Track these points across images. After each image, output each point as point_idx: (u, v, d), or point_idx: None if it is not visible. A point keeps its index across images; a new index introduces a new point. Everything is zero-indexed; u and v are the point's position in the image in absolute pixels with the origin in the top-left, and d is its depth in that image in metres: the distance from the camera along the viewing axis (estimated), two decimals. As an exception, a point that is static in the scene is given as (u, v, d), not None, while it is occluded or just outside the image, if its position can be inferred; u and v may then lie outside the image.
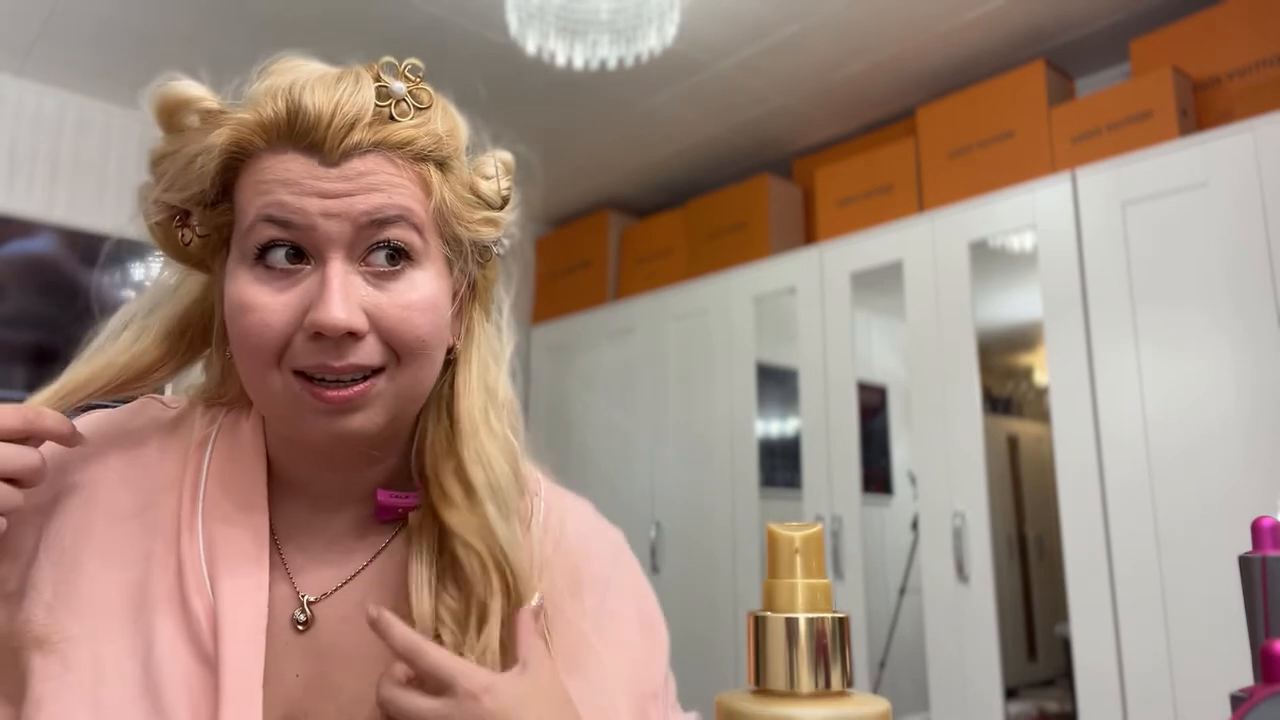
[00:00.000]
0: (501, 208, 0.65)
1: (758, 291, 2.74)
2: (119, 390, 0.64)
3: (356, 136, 0.57)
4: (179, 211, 0.62)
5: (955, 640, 2.14)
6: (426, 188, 0.60)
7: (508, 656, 0.59)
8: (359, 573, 0.64)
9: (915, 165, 2.51)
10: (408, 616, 0.59)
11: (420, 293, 0.59)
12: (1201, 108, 2.11)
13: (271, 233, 0.57)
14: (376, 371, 0.58)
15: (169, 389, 0.71)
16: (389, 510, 0.64)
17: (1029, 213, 2.17)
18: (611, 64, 1.87)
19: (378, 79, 0.59)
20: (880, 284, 2.48)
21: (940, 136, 2.46)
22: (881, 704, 0.44)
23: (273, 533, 0.63)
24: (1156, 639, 1.83)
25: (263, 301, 0.57)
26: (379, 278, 0.58)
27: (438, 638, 0.59)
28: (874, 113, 2.77)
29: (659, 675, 0.72)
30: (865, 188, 2.60)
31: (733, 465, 2.67)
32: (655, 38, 1.85)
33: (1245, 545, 0.51)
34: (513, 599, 0.61)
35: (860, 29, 2.34)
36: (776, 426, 2.72)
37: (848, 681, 0.45)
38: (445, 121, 0.61)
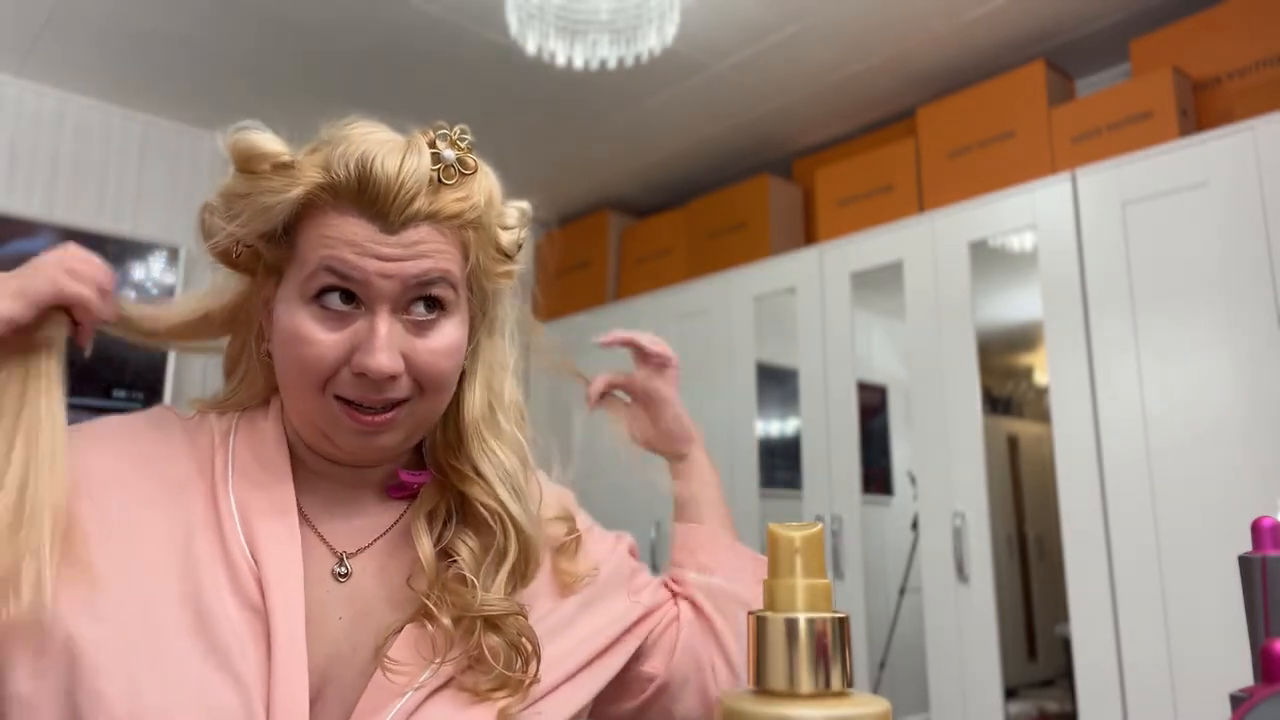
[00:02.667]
0: (516, 255, 0.76)
1: (758, 291, 2.74)
2: (153, 337, 0.76)
3: (414, 209, 0.66)
4: (242, 241, 0.71)
5: (955, 640, 2.14)
6: (465, 251, 0.70)
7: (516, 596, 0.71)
8: (388, 531, 0.74)
9: (915, 165, 2.51)
10: (418, 563, 0.70)
11: (448, 339, 0.70)
12: (1201, 108, 2.11)
13: (331, 281, 0.66)
14: (403, 400, 0.69)
15: (168, 396, 0.76)
16: (405, 487, 0.75)
17: (1029, 213, 2.17)
18: (611, 64, 1.87)
19: (432, 145, 0.68)
20: (880, 284, 2.48)
21: (940, 136, 2.46)
22: (881, 704, 0.44)
23: (300, 508, 0.72)
24: (1156, 639, 1.83)
25: (318, 337, 0.67)
26: (417, 326, 0.68)
27: (444, 577, 0.70)
28: (874, 113, 2.77)
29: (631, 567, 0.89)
30: (865, 188, 2.60)
31: (733, 465, 2.67)
32: (655, 38, 1.85)
33: (1245, 545, 0.51)
34: (528, 559, 0.72)
35: (860, 29, 2.34)
36: (776, 426, 2.72)
37: (848, 681, 0.45)
38: (484, 189, 0.71)
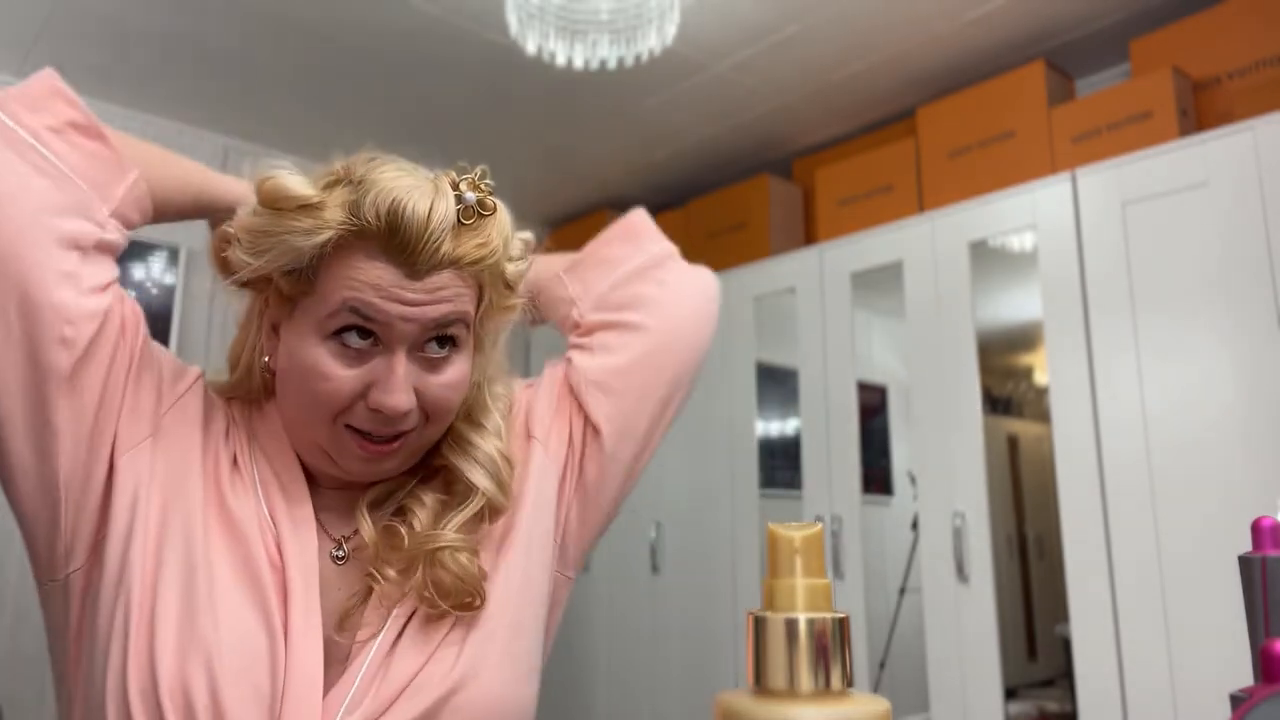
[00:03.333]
0: (518, 285, 0.78)
1: (758, 291, 2.74)
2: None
3: (440, 256, 0.68)
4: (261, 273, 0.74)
5: (955, 640, 2.14)
6: (480, 293, 0.73)
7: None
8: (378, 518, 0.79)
9: (915, 165, 2.51)
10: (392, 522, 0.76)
11: (457, 372, 0.73)
12: (1201, 108, 2.11)
13: (353, 320, 0.69)
14: (411, 429, 0.73)
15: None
16: None
17: (1029, 213, 2.17)
18: (611, 64, 1.87)
19: (455, 187, 0.70)
20: (880, 284, 2.48)
21: (940, 136, 2.46)
22: (881, 704, 0.44)
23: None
24: (1156, 639, 1.83)
25: (337, 373, 0.69)
26: (429, 363, 0.72)
27: (391, 539, 0.75)
28: (874, 113, 2.77)
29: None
30: (865, 188, 2.60)
31: (733, 465, 2.67)
32: (655, 38, 1.85)
33: (1245, 545, 0.52)
34: (493, 511, 0.78)
35: (860, 29, 2.34)
36: (776, 426, 2.72)
37: (848, 681, 0.45)
38: (502, 230, 0.73)
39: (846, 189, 2.64)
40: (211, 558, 0.68)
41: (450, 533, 0.73)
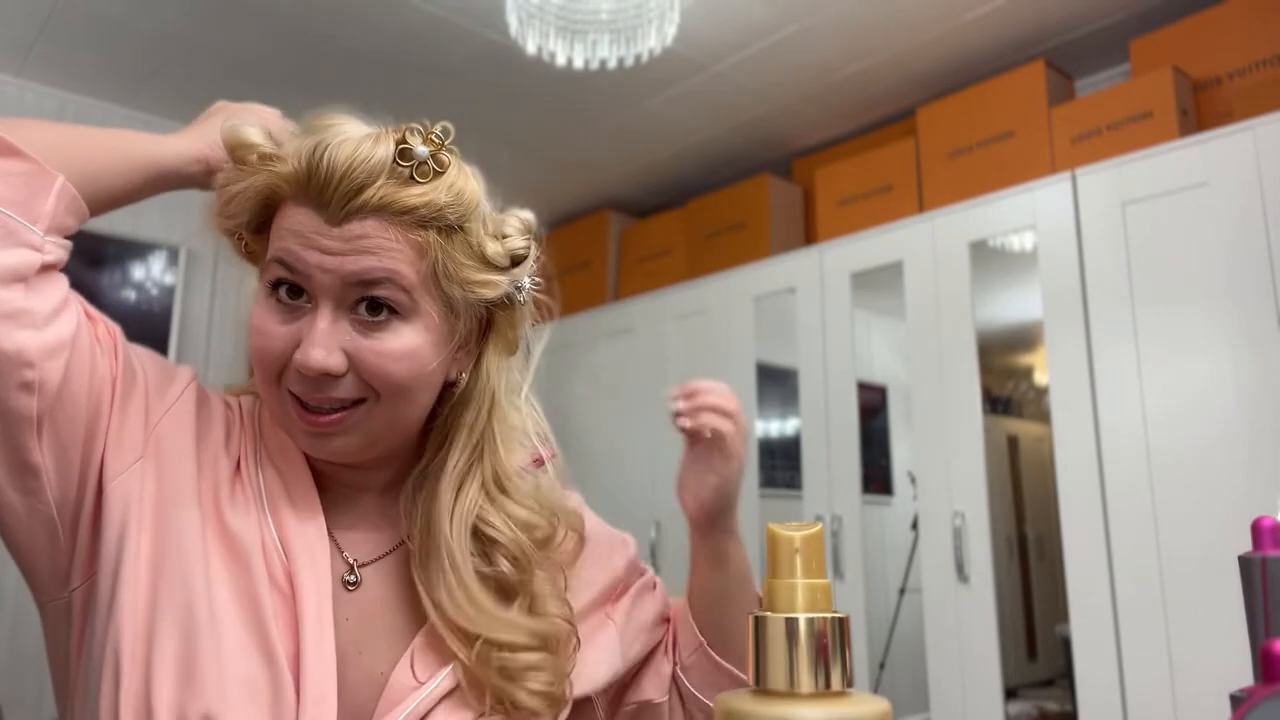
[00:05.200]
0: (512, 266, 0.72)
1: (758, 291, 2.74)
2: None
3: (359, 201, 0.64)
4: (232, 231, 0.72)
5: (955, 640, 2.14)
6: (421, 252, 0.66)
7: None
8: (399, 546, 0.74)
9: (915, 165, 2.51)
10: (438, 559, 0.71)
11: (401, 343, 0.67)
12: (1201, 108, 2.11)
13: (280, 273, 0.66)
14: (357, 403, 0.67)
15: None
16: None
17: (1029, 213, 2.17)
18: (611, 64, 1.87)
19: (402, 142, 0.65)
20: (880, 284, 2.48)
21: (940, 136, 2.46)
22: (881, 704, 0.44)
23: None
24: (1156, 639, 1.83)
25: (269, 328, 0.66)
26: (364, 326, 0.66)
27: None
28: (874, 113, 2.77)
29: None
30: (865, 188, 2.60)
31: (733, 465, 2.67)
32: (655, 38, 1.85)
33: (1245, 545, 0.51)
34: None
35: (860, 29, 2.34)
36: (776, 426, 2.72)
37: (848, 681, 0.45)
38: (452, 190, 0.67)
39: (846, 189, 2.64)
40: (211, 581, 0.64)
41: (517, 622, 0.70)
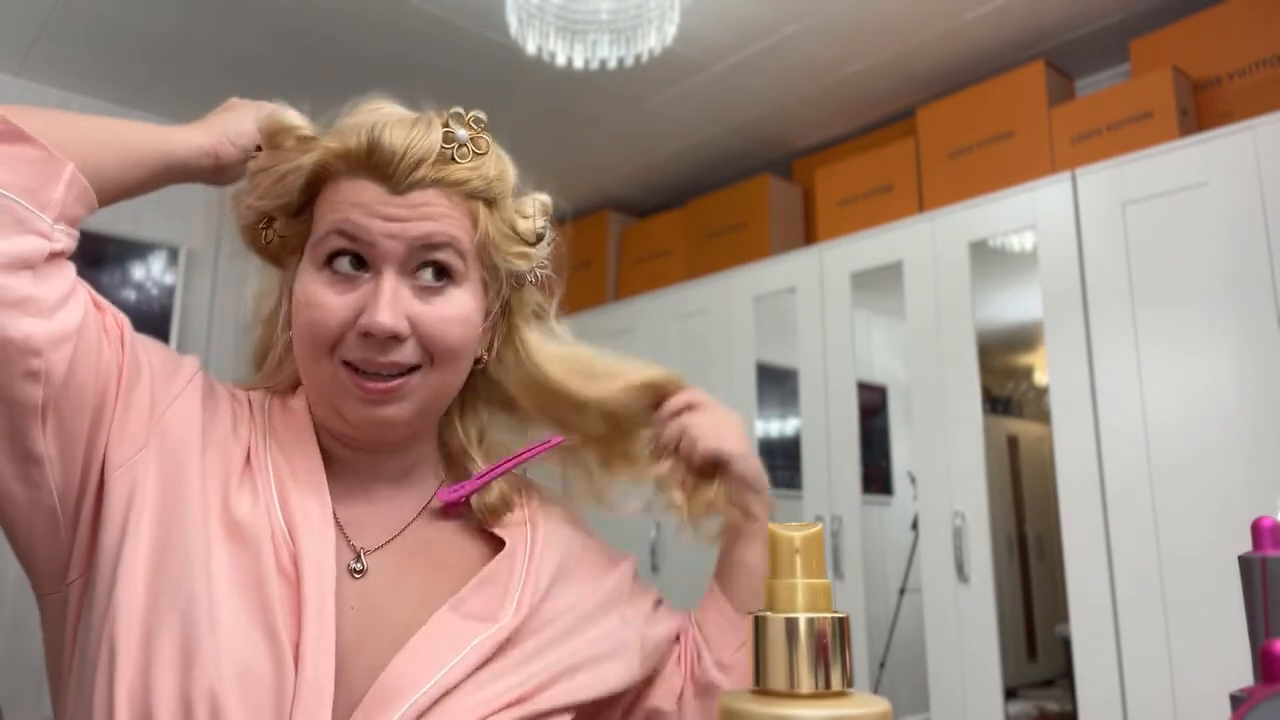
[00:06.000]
0: (535, 243, 0.77)
1: (758, 291, 2.74)
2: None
3: (421, 173, 0.68)
4: (266, 215, 0.74)
5: (955, 640, 2.14)
6: (474, 221, 0.71)
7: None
8: (403, 531, 0.75)
9: (915, 165, 2.51)
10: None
11: (456, 307, 0.71)
12: (1201, 108, 2.11)
13: (340, 243, 0.69)
14: (413, 369, 0.70)
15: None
16: (455, 505, 0.77)
17: (1029, 213, 2.17)
18: (611, 64, 1.87)
19: (446, 125, 0.71)
20: (880, 284, 2.48)
21: (940, 136, 2.46)
22: (881, 704, 0.44)
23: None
24: (1156, 639, 1.83)
25: (326, 300, 0.68)
26: (425, 291, 0.70)
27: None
28: (874, 113, 2.77)
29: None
30: (865, 188, 2.60)
31: (733, 465, 2.66)
32: (655, 38, 1.85)
33: (1245, 545, 0.51)
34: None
35: (860, 29, 2.34)
36: (776, 426, 2.72)
37: (848, 681, 0.45)
38: (496, 166, 0.73)
39: (846, 189, 2.64)
40: (213, 570, 0.63)
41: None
